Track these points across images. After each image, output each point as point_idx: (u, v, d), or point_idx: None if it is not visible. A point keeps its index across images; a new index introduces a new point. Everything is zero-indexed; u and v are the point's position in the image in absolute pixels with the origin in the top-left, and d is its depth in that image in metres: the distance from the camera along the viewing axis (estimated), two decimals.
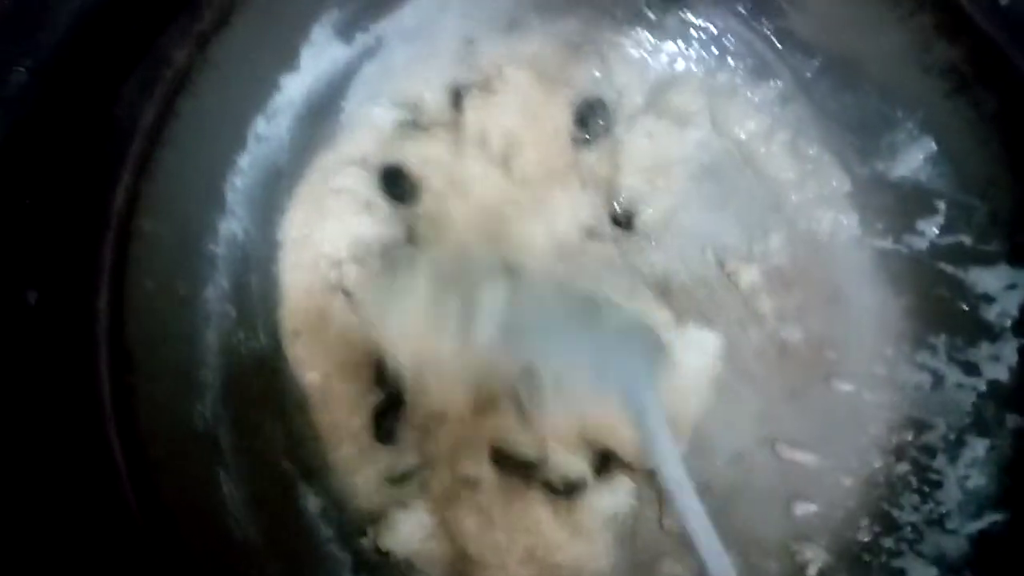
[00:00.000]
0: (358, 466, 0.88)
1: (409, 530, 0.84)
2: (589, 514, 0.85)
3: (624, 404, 0.73)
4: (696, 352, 0.87)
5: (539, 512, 0.84)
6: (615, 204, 0.97)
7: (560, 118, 0.95)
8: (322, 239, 0.90)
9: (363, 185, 0.93)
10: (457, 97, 0.95)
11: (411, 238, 0.92)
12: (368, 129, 0.94)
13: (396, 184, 0.93)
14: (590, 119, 0.97)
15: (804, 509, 0.90)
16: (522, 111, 0.92)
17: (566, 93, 0.95)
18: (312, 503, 0.85)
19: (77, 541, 0.66)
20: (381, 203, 0.93)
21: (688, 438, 0.89)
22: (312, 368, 0.88)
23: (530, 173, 0.93)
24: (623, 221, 0.97)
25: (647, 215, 0.97)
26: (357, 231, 0.91)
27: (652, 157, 0.97)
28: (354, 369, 0.88)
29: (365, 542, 0.85)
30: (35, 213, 0.69)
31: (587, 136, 0.97)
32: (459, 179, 0.91)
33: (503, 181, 0.92)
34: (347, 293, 0.88)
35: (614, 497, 0.87)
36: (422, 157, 0.93)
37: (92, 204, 0.70)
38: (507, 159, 0.92)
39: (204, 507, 0.75)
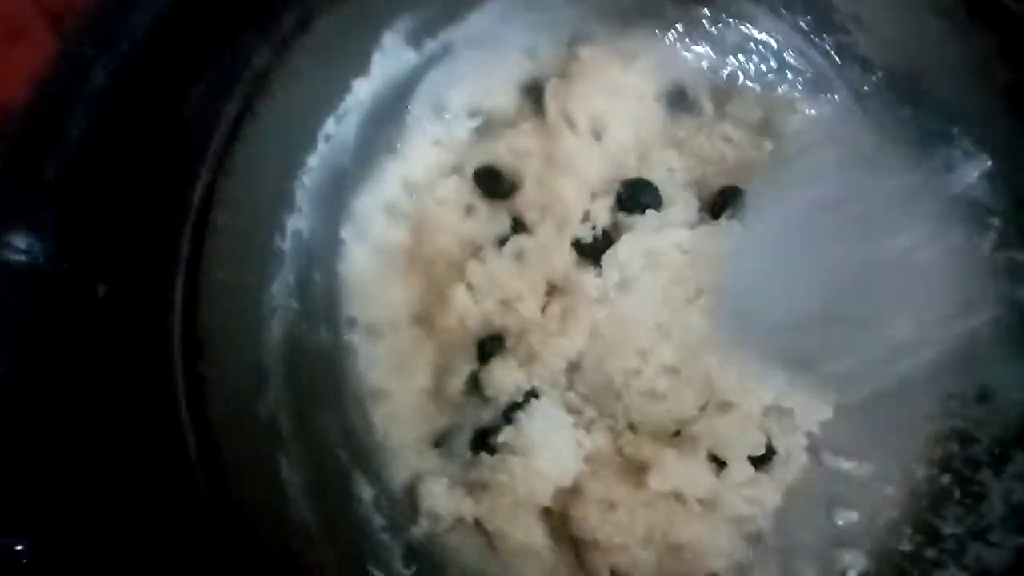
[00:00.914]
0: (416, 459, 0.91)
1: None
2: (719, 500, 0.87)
3: None
4: None
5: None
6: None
7: (642, 85, 0.97)
8: (432, 247, 0.94)
9: (461, 190, 0.96)
10: (536, 92, 0.98)
11: (517, 228, 0.95)
12: (451, 140, 0.98)
13: (492, 182, 0.96)
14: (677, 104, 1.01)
15: (846, 517, 0.91)
16: (603, 87, 0.94)
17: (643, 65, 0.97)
18: (366, 492, 0.87)
19: (150, 520, 0.68)
20: (481, 204, 0.96)
21: None
22: (379, 365, 0.92)
23: (626, 142, 0.95)
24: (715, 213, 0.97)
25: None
26: (466, 235, 0.94)
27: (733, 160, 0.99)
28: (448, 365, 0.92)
29: (415, 531, 0.87)
30: (109, 209, 0.72)
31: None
32: (559, 159, 0.93)
33: (604, 152, 0.94)
34: (470, 286, 0.90)
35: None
36: (513, 151, 0.96)
37: (171, 198, 0.72)
38: (599, 135, 0.94)
39: (266, 491, 0.77)
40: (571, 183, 0.92)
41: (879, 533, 0.91)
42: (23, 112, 0.67)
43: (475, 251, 0.93)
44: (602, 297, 0.89)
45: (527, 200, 0.94)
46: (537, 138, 0.95)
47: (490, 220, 0.95)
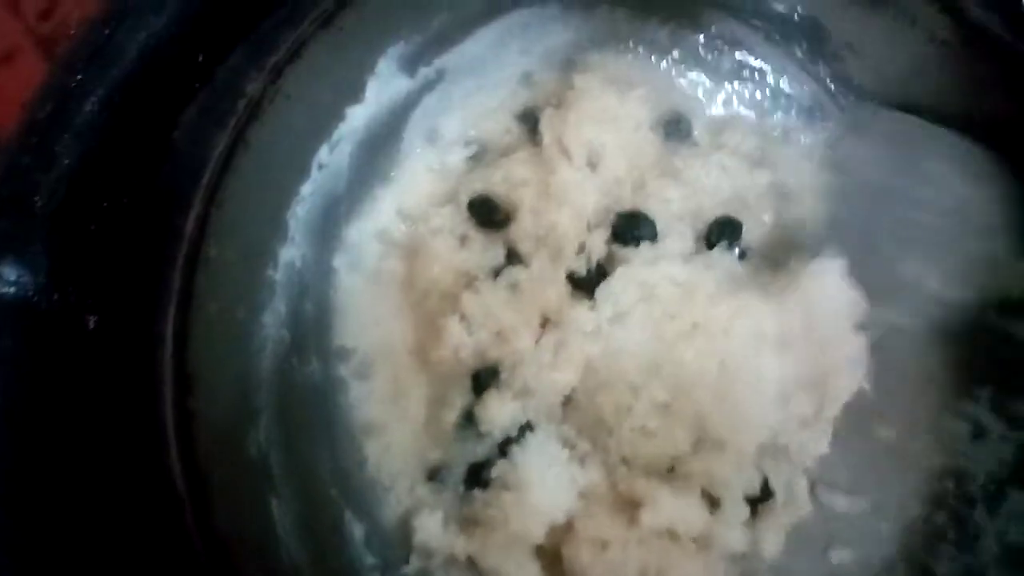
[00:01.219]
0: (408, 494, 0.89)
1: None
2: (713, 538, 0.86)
3: None
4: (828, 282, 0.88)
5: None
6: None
7: (639, 113, 0.96)
8: (426, 277, 0.92)
9: (455, 220, 0.95)
10: (532, 120, 0.97)
11: (511, 259, 0.93)
12: (445, 169, 0.97)
13: (487, 212, 0.94)
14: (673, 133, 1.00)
15: (840, 555, 0.90)
16: (598, 117, 0.93)
17: (639, 94, 0.96)
18: (357, 530, 0.85)
19: (138, 558, 0.67)
20: (476, 234, 0.95)
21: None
22: (372, 398, 0.90)
23: (622, 172, 0.94)
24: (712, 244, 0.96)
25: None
26: (460, 265, 0.93)
27: (729, 189, 0.98)
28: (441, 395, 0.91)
29: (407, 570, 0.85)
30: (100, 239, 0.71)
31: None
32: (554, 191, 0.91)
33: (599, 181, 0.93)
34: (464, 317, 0.89)
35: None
36: (508, 180, 0.94)
37: (163, 229, 0.71)
38: (594, 165, 0.93)
39: (256, 529, 0.76)
40: (566, 214, 0.91)
41: (874, 571, 0.90)
42: (13, 140, 0.66)
43: (469, 282, 0.91)
44: (595, 331, 0.88)
45: (522, 230, 0.93)
46: (532, 167, 0.94)
47: (484, 250, 0.94)
